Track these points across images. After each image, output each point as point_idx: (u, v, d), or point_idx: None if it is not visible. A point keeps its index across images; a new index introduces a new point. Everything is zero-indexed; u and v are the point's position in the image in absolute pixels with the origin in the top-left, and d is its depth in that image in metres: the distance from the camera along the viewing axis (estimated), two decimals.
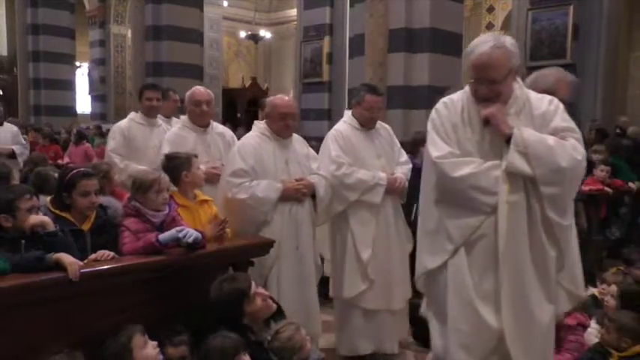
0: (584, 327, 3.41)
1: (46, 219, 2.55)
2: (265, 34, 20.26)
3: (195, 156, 3.47)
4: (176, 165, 3.27)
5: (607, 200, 5.94)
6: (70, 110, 16.42)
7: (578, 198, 5.63)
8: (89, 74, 20.68)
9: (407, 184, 3.89)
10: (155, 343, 2.45)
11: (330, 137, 3.80)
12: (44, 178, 3.75)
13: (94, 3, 19.71)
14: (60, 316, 2.37)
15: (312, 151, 3.76)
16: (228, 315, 2.63)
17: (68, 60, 16.58)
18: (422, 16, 8.01)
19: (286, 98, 3.64)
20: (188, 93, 4.16)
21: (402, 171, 3.92)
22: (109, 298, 2.53)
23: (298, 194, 3.45)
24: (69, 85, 16.64)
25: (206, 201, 3.38)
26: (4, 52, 20.29)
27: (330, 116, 11.98)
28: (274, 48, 21.66)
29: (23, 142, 7.05)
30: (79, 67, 20.72)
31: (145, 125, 4.71)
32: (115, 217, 2.92)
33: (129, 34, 17.29)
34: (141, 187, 2.87)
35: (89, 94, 20.24)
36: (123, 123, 4.78)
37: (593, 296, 3.88)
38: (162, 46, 12.60)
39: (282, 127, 3.52)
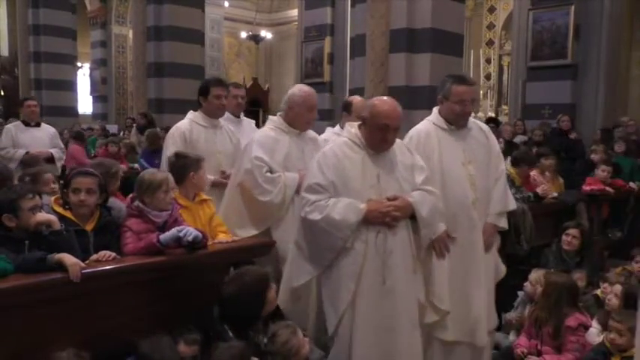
0: (586, 327, 3.41)
1: (53, 217, 2.57)
2: (266, 34, 20.27)
3: (201, 160, 3.44)
4: (185, 164, 3.30)
5: (609, 200, 5.94)
6: (71, 111, 16.40)
7: (579, 198, 5.68)
8: (90, 75, 20.68)
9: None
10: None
11: (405, 140, 3.18)
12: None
13: (96, 3, 19.73)
14: (62, 316, 2.38)
15: (418, 160, 2.98)
16: (251, 304, 2.68)
17: (69, 60, 16.57)
18: (423, 16, 8.00)
19: (392, 105, 2.85)
20: (299, 93, 3.61)
21: (499, 190, 3.33)
22: (111, 298, 2.54)
23: (386, 218, 2.72)
24: (70, 86, 16.61)
25: (205, 200, 3.40)
26: (6, 53, 20.30)
27: (332, 116, 11.96)
28: (275, 48, 21.67)
29: (62, 145, 6.55)
30: (81, 67, 20.72)
31: (207, 127, 4.13)
32: (118, 218, 2.93)
33: (130, 34, 17.29)
34: (150, 186, 2.87)
35: (90, 94, 20.25)
36: (183, 125, 4.13)
37: (595, 296, 3.88)
38: (163, 47, 12.61)
39: (379, 141, 2.82)
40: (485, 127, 3.48)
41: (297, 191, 3.35)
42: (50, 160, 5.94)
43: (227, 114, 4.53)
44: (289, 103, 3.60)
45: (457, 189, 3.18)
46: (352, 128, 2.92)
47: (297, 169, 3.52)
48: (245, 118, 4.92)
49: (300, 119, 3.60)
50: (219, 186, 3.95)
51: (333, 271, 2.77)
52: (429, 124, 3.22)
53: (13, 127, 6.23)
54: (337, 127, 4.20)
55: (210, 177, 3.88)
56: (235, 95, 4.61)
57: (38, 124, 6.28)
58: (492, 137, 3.44)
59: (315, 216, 2.71)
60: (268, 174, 3.45)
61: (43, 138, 6.18)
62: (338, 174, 2.77)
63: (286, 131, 3.59)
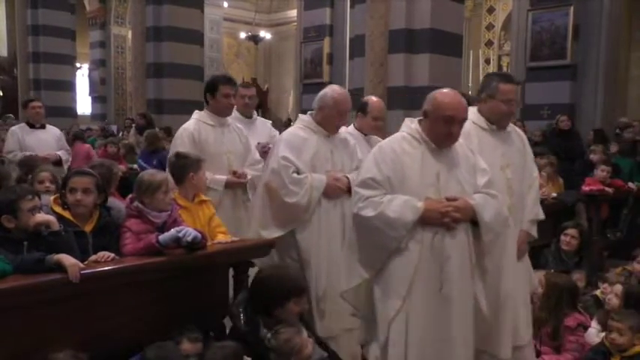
0: (585, 327, 3.41)
1: (52, 218, 2.57)
2: (265, 34, 20.27)
3: (201, 161, 3.42)
4: (185, 164, 3.31)
5: (608, 201, 5.95)
6: (70, 111, 16.39)
7: (578, 198, 5.69)
8: (89, 75, 20.67)
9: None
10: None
11: None
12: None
13: (95, 4, 19.72)
14: (61, 317, 2.38)
15: (480, 161, 2.79)
16: (271, 295, 2.73)
17: (68, 61, 16.56)
18: (422, 16, 8.00)
19: (456, 96, 2.66)
20: (331, 94, 3.47)
21: (532, 197, 3.20)
22: (110, 299, 2.54)
23: (445, 219, 2.52)
24: (69, 86, 16.61)
25: (205, 201, 3.39)
26: (4, 53, 20.29)
27: None
28: (274, 49, 21.67)
29: (67, 147, 6.39)
30: (80, 68, 20.71)
31: (215, 126, 4.00)
32: (118, 219, 2.93)
33: (129, 35, 17.28)
34: (150, 187, 2.87)
35: (89, 95, 20.24)
36: (190, 125, 4.00)
37: (594, 296, 3.88)
38: (162, 47, 12.61)
39: (444, 135, 2.61)
40: (521, 132, 3.36)
41: (324, 193, 3.36)
42: (58, 163, 5.79)
43: (236, 114, 4.45)
44: (320, 103, 3.48)
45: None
46: (412, 123, 2.72)
47: (324, 170, 3.44)
48: (259, 117, 4.83)
49: (330, 122, 3.49)
50: (232, 186, 3.89)
51: (384, 273, 2.58)
52: (469, 123, 2.89)
53: (18, 129, 6.03)
54: (351, 127, 4.04)
55: (223, 177, 3.85)
56: (243, 95, 4.52)
57: (43, 126, 6.12)
58: (527, 142, 3.33)
59: (369, 212, 2.54)
60: (295, 175, 3.35)
61: (49, 140, 6.01)
62: (395, 170, 2.59)
63: (315, 131, 3.49)
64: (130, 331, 2.53)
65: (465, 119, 2.65)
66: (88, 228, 2.76)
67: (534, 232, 3.23)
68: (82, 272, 2.35)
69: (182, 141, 3.92)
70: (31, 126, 6.03)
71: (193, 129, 3.95)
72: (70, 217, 2.73)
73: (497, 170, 2.99)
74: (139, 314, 2.58)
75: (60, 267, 2.32)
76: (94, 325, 2.44)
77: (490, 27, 16.47)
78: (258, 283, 2.83)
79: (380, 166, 2.60)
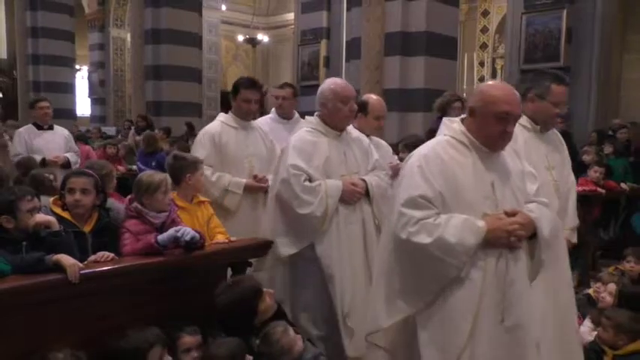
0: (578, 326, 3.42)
1: (52, 219, 2.57)
2: (263, 37, 20.26)
3: (198, 162, 3.40)
4: (181, 166, 3.30)
5: (601, 201, 5.96)
6: (70, 113, 16.33)
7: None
8: (89, 77, 20.63)
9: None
10: (170, 358, 2.45)
11: None
12: (39, 180, 3.75)
13: (94, 6, 19.68)
14: (60, 317, 2.37)
15: (527, 165, 2.47)
16: (243, 316, 2.65)
17: (68, 63, 16.53)
18: (418, 19, 8.03)
19: (509, 88, 2.26)
20: (328, 86, 3.25)
21: (572, 202, 3.03)
22: (109, 298, 2.53)
23: (511, 237, 2.13)
24: (69, 88, 16.57)
25: (203, 202, 3.40)
26: (4, 55, 20.23)
27: None
28: (272, 51, 21.66)
29: (76, 148, 6.09)
30: (79, 70, 20.68)
31: (238, 129, 3.91)
32: (117, 219, 2.92)
33: (128, 37, 17.27)
34: (149, 187, 2.87)
35: (89, 96, 20.20)
36: (213, 127, 3.92)
37: (588, 295, 3.89)
38: (161, 50, 12.60)
39: (497, 136, 2.20)
40: (557, 132, 3.15)
41: (341, 200, 3.09)
42: (67, 165, 5.56)
43: (274, 115, 4.36)
44: (321, 100, 3.23)
45: (544, 196, 2.50)
46: (454, 123, 2.30)
47: (338, 174, 3.17)
48: (302, 119, 4.61)
49: (337, 115, 3.19)
50: (251, 190, 3.81)
51: (440, 308, 2.15)
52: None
53: (25, 131, 5.75)
54: (350, 128, 3.89)
55: (242, 180, 3.78)
56: (277, 96, 4.37)
57: (51, 127, 5.85)
58: (565, 143, 3.13)
59: (423, 239, 2.10)
60: (307, 183, 3.06)
61: (57, 141, 5.76)
62: (447, 183, 2.16)
63: (324, 133, 3.22)
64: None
65: (519, 115, 2.28)
66: (87, 228, 2.75)
67: (575, 240, 3.08)
68: (82, 272, 2.34)
69: (202, 143, 3.85)
70: (39, 127, 5.78)
71: (215, 131, 3.86)
72: (70, 218, 2.73)
73: (544, 171, 2.79)
74: (138, 314, 2.57)
75: (59, 267, 2.31)
76: (93, 325, 2.43)
77: (485, 30, 16.49)
78: (224, 313, 2.69)
79: (429, 181, 2.16)
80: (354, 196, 3.14)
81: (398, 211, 2.18)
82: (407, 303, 2.22)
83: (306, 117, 3.37)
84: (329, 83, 3.29)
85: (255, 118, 4.45)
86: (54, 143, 5.70)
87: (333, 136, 3.23)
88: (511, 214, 2.15)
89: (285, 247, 3.16)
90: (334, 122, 3.22)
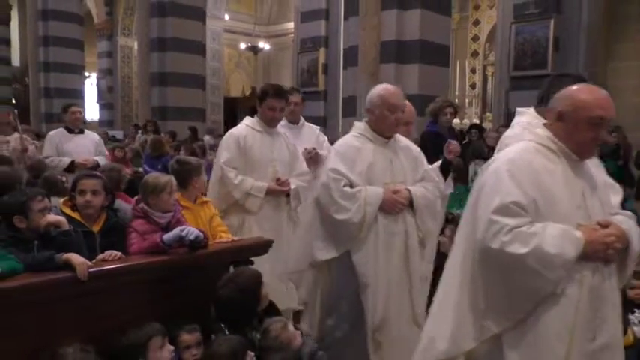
0: None
1: (62, 219, 2.57)
2: (264, 45, 20.27)
3: (201, 165, 3.41)
4: (188, 170, 3.31)
5: None
6: None
7: None
8: (97, 84, 20.64)
9: None
10: (172, 347, 2.44)
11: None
12: (52, 182, 3.75)
13: (102, 16, 19.71)
14: (70, 313, 2.36)
15: (607, 178, 2.21)
16: (248, 303, 2.65)
17: (77, 70, 16.53)
18: (412, 29, 8.04)
19: (601, 91, 2.03)
20: (376, 92, 3.02)
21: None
22: (116, 296, 2.52)
23: (609, 250, 1.91)
24: (78, 94, 16.55)
25: (206, 202, 3.40)
26: (17, 63, 20.27)
27: (326, 124, 11.98)
28: (273, 59, 21.67)
29: (106, 152, 6.02)
30: (88, 76, 20.68)
31: (263, 133, 3.81)
32: (124, 220, 2.92)
33: (135, 45, 17.29)
34: (155, 189, 2.86)
35: (97, 102, 20.21)
36: (238, 130, 3.84)
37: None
38: (166, 57, 12.61)
39: (589, 142, 1.98)
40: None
41: (381, 209, 2.88)
42: (96, 168, 5.38)
43: (284, 122, 4.24)
44: (368, 105, 3.03)
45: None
46: (539, 129, 2.06)
47: (382, 182, 2.94)
48: (307, 123, 4.57)
49: (383, 123, 2.98)
50: (274, 193, 3.74)
51: (532, 327, 1.89)
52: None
53: (56, 134, 5.66)
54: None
55: (264, 184, 3.70)
56: (290, 102, 4.24)
57: (82, 131, 5.74)
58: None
59: (518, 248, 1.83)
60: (346, 189, 2.88)
61: (87, 145, 5.65)
62: (539, 190, 1.92)
63: (371, 139, 3.01)
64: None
65: (611, 120, 2.04)
66: (96, 228, 2.75)
67: None
68: (90, 270, 2.34)
69: (228, 145, 3.74)
70: (70, 131, 5.66)
71: (240, 134, 3.76)
72: (79, 218, 2.73)
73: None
74: (145, 311, 2.57)
75: (69, 265, 2.31)
76: (101, 322, 2.43)
77: (476, 38, 16.52)
78: (225, 306, 2.65)
79: (522, 187, 1.91)
80: (395, 206, 2.90)
81: (488, 219, 1.90)
82: (494, 321, 1.94)
83: (355, 123, 3.14)
84: (379, 89, 3.05)
85: (296, 122, 4.42)
86: (84, 147, 5.61)
87: (379, 143, 3.01)
88: (604, 225, 1.93)
89: (322, 252, 3.02)
90: (380, 129, 3.00)
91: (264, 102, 3.77)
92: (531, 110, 2.44)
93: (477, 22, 16.45)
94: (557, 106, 2.02)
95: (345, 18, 10.03)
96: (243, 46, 20.01)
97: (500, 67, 11.17)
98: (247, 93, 19.91)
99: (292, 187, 3.78)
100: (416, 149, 3.16)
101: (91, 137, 5.82)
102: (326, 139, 4.67)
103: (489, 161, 2.12)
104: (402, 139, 3.13)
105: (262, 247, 3.18)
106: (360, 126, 3.08)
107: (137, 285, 2.62)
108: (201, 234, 2.72)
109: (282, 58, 20.77)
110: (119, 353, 2.33)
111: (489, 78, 15.57)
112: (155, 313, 2.55)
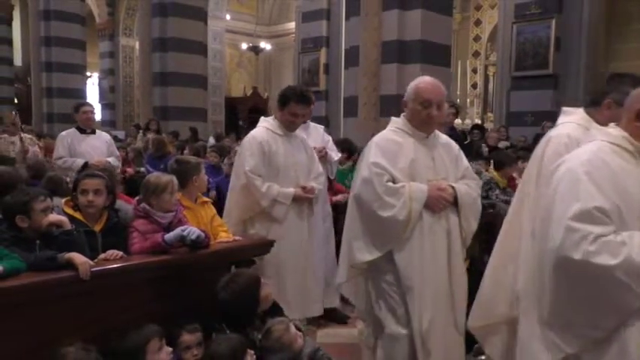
0: None
1: (64, 218, 2.57)
2: (265, 45, 20.28)
3: (200, 163, 3.39)
4: (188, 169, 3.31)
5: None
6: None
7: None
8: (99, 84, 20.69)
9: None
10: (170, 349, 2.44)
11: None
12: (57, 182, 3.75)
13: (104, 16, 19.74)
14: (72, 312, 2.37)
15: None
16: (247, 305, 2.65)
17: (79, 70, 16.55)
18: (413, 29, 8.05)
19: None
20: (415, 84, 2.80)
21: None
22: (118, 295, 2.53)
23: None
24: (80, 94, 16.56)
25: (206, 202, 3.41)
26: (19, 63, 20.30)
27: (328, 124, 12.00)
28: (274, 59, 21.68)
29: (117, 153, 5.87)
30: (90, 77, 20.70)
31: (283, 136, 3.71)
32: (125, 220, 2.92)
33: (137, 45, 17.31)
34: (157, 188, 2.86)
35: (99, 102, 20.23)
36: (259, 134, 3.67)
37: None
38: (168, 57, 12.63)
39: None
40: None
41: (426, 206, 2.66)
42: None
43: None
44: (405, 98, 2.83)
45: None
46: (609, 128, 1.91)
47: (425, 179, 2.72)
48: (312, 123, 4.51)
49: (415, 117, 2.76)
50: (298, 200, 3.68)
51: (614, 345, 1.71)
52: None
53: (68, 135, 5.49)
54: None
55: (291, 190, 3.64)
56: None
57: (93, 131, 5.59)
58: None
59: (607, 259, 1.64)
60: (390, 184, 2.66)
61: (100, 146, 5.52)
62: (621, 195, 1.73)
63: (410, 134, 2.78)
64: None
65: None
66: (97, 228, 2.75)
67: None
68: (92, 270, 2.34)
69: (252, 151, 3.59)
70: (82, 131, 5.50)
71: (262, 139, 3.63)
72: (81, 218, 2.73)
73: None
74: (146, 310, 2.57)
75: (71, 265, 2.31)
76: (102, 321, 2.43)
77: (477, 38, 16.52)
78: (225, 307, 2.64)
79: (603, 190, 1.72)
80: (441, 202, 2.69)
81: (566, 226, 1.70)
82: (576, 337, 1.77)
83: (392, 118, 2.92)
84: (417, 81, 2.83)
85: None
86: (96, 148, 5.47)
87: (419, 138, 2.78)
88: None
89: (362, 253, 2.75)
90: (416, 124, 2.78)
91: (287, 107, 3.64)
92: (580, 111, 2.40)
93: (478, 22, 16.45)
94: (635, 104, 1.82)
95: (347, 18, 10.03)
96: (244, 46, 20.03)
97: (502, 67, 11.19)
98: (249, 93, 19.93)
99: (316, 190, 3.78)
100: (456, 146, 2.95)
101: (103, 137, 5.70)
102: (330, 138, 4.68)
103: (560, 161, 1.91)
104: (442, 136, 2.92)
105: (263, 246, 3.18)
106: (397, 120, 2.86)
107: (139, 284, 2.62)
108: (202, 234, 2.72)
109: (284, 58, 20.79)
110: (117, 357, 2.33)
111: (491, 78, 15.58)
112: (156, 313, 2.56)
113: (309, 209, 3.80)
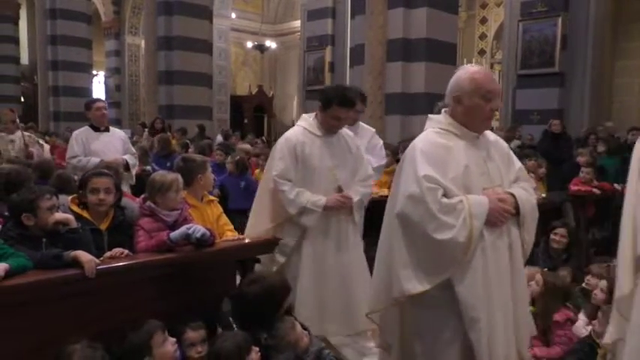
0: (573, 322, 3.40)
1: (70, 216, 2.58)
2: (271, 44, 20.28)
3: (206, 162, 3.40)
4: (194, 167, 3.30)
5: (595, 200, 5.94)
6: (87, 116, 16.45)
7: (565, 198, 5.68)
8: (105, 82, 20.74)
9: None
10: (174, 340, 2.44)
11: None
12: (66, 179, 3.77)
13: (110, 15, 19.79)
14: (78, 310, 2.37)
15: None
16: (268, 308, 2.64)
17: (85, 69, 16.61)
18: (418, 27, 8.03)
19: None
20: (470, 75, 2.33)
21: None
22: (124, 293, 2.53)
23: None
24: (86, 93, 16.63)
25: (212, 200, 3.41)
26: (26, 62, 20.38)
27: None
28: (279, 57, 21.68)
29: (133, 150, 5.58)
30: (96, 75, 20.77)
31: (322, 138, 3.39)
32: (131, 218, 2.93)
33: (142, 44, 17.35)
34: (162, 187, 2.87)
35: (105, 100, 20.27)
36: (295, 136, 3.38)
37: (582, 289, 3.86)
38: (173, 56, 12.64)
39: None
40: None
41: (487, 221, 2.23)
42: (125, 168, 5.10)
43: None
44: (455, 92, 2.35)
45: None
46: None
47: (480, 189, 2.29)
48: (362, 124, 4.20)
49: (476, 114, 2.32)
50: (333, 207, 3.31)
51: None
52: None
53: (81, 133, 5.28)
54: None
55: (322, 197, 3.29)
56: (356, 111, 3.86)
57: (107, 129, 5.34)
58: None
59: None
60: (445, 199, 2.21)
61: (115, 143, 5.29)
62: None
63: (459, 135, 2.35)
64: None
65: None
66: (103, 226, 2.76)
67: None
68: (98, 268, 2.34)
69: (282, 154, 3.33)
70: (95, 129, 5.26)
71: (297, 141, 3.34)
72: (87, 216, 2.74)
73: None
74: (152, 308, 2.57)
75: (77, 263, 2.31)
76: (109, 318, 2.44)
77: (483, 36, 16.46)
78: (249, 304, 2.64)
79: None
80: (503, 215, 2.27)
81: None
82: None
83: (430, 116, 2.52)
84: (469, 72, 2.37)
85: (352, 123, 3.96)
86: (112, 145, 5.25)
87: (470, 139, 2.36)
88: None
89: (412, 283, 2.26)
90: (471, 122, 2.35)
91: (329, 109, 3.32)
92: None
93: (484, 20, 16.39)
94: None
95: (352, 16, 10.02)
96: (249, 44, 20.04)
97: (508, 66, 11.14)
98: (254, 91, 19.94)
99: (355, 198, 3.38)
100: (504, 143, 2.57)
101: (118, 135, 5.47)
102: (381, 142, 4.30)
103: None
104: (489, 132, 2.51)
105: (268, 245, 3.17)
106: (440, 119, 2.42)
107: (144, 282, 2.62)
108: (207, 232, 2.72)
109: (289, 57, 20.78)
110: (124, 356, 2.33)
111: (497, 76, 15.52)
112: (162, 311, 2.56)
113: (347, 220, 3.41)
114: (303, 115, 3.61)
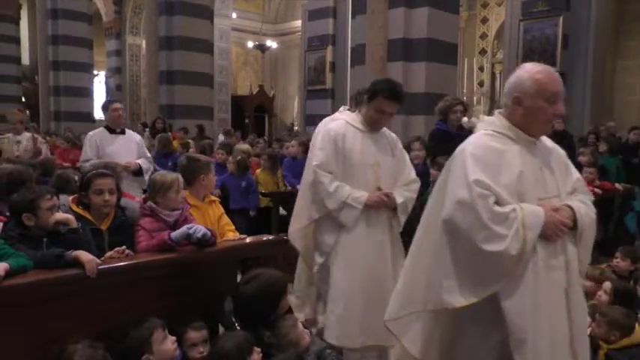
0: None
1: (71, 216, 2.58)
2: (272, 44, 20.27)
3: (210, 163, 3.40)
4: (196, 167, 3.30)
5: (596, 200, 5.93)
6: (88, 116, 16.43)
7: None
8: (106, 82, 20.75)
9: None
10: (174, 338, 2.45)
11: None
12: (65, 179, 3.77)
13: (111, 15, 19.80)
14: (79, 310, 2.37)
15: None
16: (264, 307, 2.64)
17: (86, 69, 16.61)
18: (419, 27, 8.01)
19: None
20: (533, 75, 2.13)
21: None
22: (124, 293, 2.53)
23: None
24: (87, 93, 16.65)
25: (214, 201, 3.40)
26: (27, 62, 20.39)
27: None
28: (280, 57, 21.67)
29: (148, 154, 5.39)
30: (97, 75, 20.77)
31: (365, 132, 3.21)
32: (132, 218, 2.93)
33: (143, 44, 17.35)
34: (162, 187, 2.87)
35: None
36: (337, 127, 3.21)
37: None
38: (174, 56, 12.64)
39: None
40: None
41: (542, 234, 2.04)
42: (138, 172, 4.99)
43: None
44: (516, 92, 2.16)
45: None
46: None
47: (535, 198, 2.10)
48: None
49: (537, 118, 2.14)
50: (375, 206, 3.12)
51: None
52: None
53: (96, 135, 5.11)
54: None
55: (364, 193, 3.10)
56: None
57: (123, 131, 5.17)
58: None
59: None
60: (497, 208, 2.02)
61: (130, 146, 5.12)
62: None
63: (515, 139, 2.17)
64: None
65: None
66: (104, 226, 2.76)
67: None
68: (99, 268, 2.35)
69: (323, 145, 3.17)
70: (111, 131, 5.10)
71: (339, 132, 3.17)
72: (88, 216, 2.74)
73: None
74: (153, 307, 2.57)
75: (78, 263, 2.32)
76: (109, 318, 2.44)
77: (484, 36, 16.43)
78: (246, 303, 2.64)
79: None
80: (560, 229, 2.07)
81: None
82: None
83: (482, 117, 2.42)
84: (531, 71, 2.16)
85: None
86: (126, 148, 5.07)
87: (526, 144, 2.18)
88: None
89: (454, 296, 2.10)
90: (529, 126, 2.17)
91: (374, 101, 3.13)
92: None
93: (485, 20, 16.36)
94: None
95: (353, 16, 10.01)
96: (250, 44, 20.03)
97: (509, 65, 11.10)
98: (255, 91, 19.93)
99: (399, 200, 3.17)
100: (562, 151, 2.36)
101: (133, 137, 5.29)
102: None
103: None
104: (545, 138, 2.29)
105: (269, 246, 3.17)
106: (494, 122, 2.24)
107: (145, 282, 2.62)
108: (208, 232, 2.72)
109: (290, 57, 20.77)
110: (125, 354, 2.33)
111: (497, 76, 15.49)
112: (162, 310, 2.56)
113: (395, 218, 3.21)
114: (341, 107, 3.39)
